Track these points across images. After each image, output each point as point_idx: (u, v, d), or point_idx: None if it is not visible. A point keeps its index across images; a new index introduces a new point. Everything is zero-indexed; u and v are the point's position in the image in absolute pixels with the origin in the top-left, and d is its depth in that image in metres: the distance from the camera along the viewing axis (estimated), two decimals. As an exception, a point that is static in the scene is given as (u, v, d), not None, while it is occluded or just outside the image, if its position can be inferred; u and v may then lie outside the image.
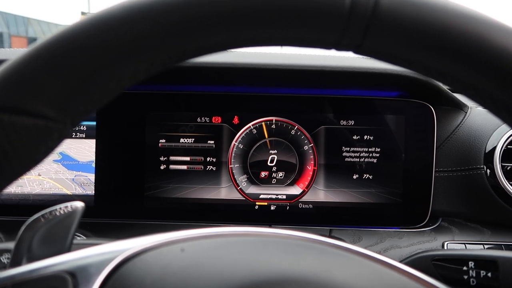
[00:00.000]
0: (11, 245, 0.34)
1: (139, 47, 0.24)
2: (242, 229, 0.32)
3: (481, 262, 0.38)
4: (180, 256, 0.29)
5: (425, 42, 0.23)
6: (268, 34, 0.24)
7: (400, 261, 0.51)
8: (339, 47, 0.25)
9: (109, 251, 0.29)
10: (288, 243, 0.31)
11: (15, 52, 0.72)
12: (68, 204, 0.35)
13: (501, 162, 0.64)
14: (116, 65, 0.24)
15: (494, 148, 0.65)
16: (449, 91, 0.68)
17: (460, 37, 0.22)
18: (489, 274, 0.38)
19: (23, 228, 0.33)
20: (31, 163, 0.27)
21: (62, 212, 0.35)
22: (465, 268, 0.39)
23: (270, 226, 0.70)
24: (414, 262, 0.43)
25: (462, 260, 0.40)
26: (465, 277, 0.39)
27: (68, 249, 0.35)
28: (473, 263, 0.39)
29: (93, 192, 0.71)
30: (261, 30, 0.24)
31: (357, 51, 0.25)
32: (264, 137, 0.70)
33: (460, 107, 0.71)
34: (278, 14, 0.23)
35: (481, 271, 0.38)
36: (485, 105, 0.26)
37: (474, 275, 0.39)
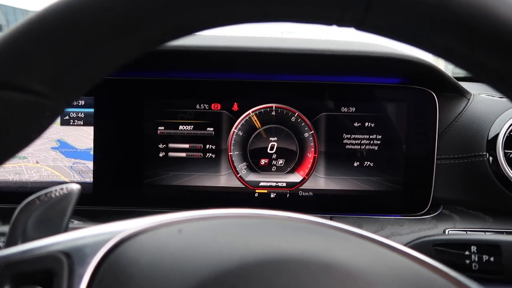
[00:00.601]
0: (6, 228, 0.34)
1: (134, 21, 0.23)
2: (241, 211, 0.31)
3: (484, 246, 0.38)
4: (177, 237, 0.28)
5: (432, 16, 0.22)
6: (266, 9, 0.23)
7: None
8: (340, 23, 0.24)
9: (105, 232, 0.28)
10: (288, 224, 0.31)
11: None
12: (64, 186, 0.34)
13: (504, 149, 0.63)
14: (110, 40, 0.24)
15: (497, 135, 0.64)
16: (452, 77, 0.67)
17: (469, 10, 0.22)
18: (492, 259, 0.38)
19: (17, 210, 0.33)
20: (24, 141, 0.26)
21: (57, 194, 0.34)
22: (467, 253, 0.39)
23: (270, 213, 0.69)
24: (416, 247, 0.42)
25: (464, 244, 0.39)
26: (467, 261, 0.39)
27: (64, 232, 0.34)
28: (475, 248, 0.38)
29: (92, 179, 0.70)
30: (259, 5, 0.23)
31: (359, 27, 0.24)
32: (264, 124, 0.69)
33: (463, 94, 0.70)
34: None
35: (484, 256, 0.38)
36: (491, 83, 0.25)
37: (476, 259, 0.38)
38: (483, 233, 0.59)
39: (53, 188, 0.34)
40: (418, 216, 0.68)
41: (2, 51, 0.23)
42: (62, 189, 0.34)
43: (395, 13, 0.22)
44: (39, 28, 0.23)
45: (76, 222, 0.52)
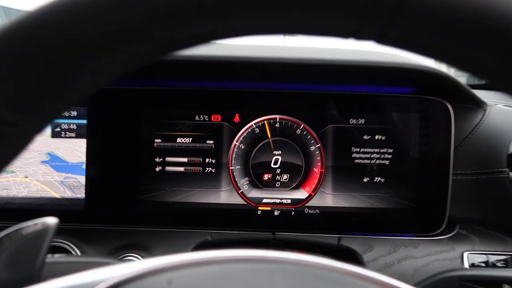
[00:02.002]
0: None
1: (117, 37, 0.19)
2: (242, 253, 0.26)
3: (518, 284, 0.33)
4: None
5: (463, 29, 0.18)
6: (274, 21, 0.20)
7: (423, 281, 0.46)
8: (358, 37, 0.20)
9: (79, 284, 0.24)
10: (297, 271, 0.26)
11: None
12: (39, 221, 0.30)
13: (526, 165, 0.59)
14: (89, 59, 0.20)
15: (519, 150, 0.59)
16: (467, 87, 0.62)
17: (499, 21, 0.18)
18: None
19: None
20: None
21: (31, 230, 0.30)
22: (498, 290, 0.34)
23: (273, 233, 0.65)
24: (440, 284, 0.38)
25: (495, 282, 0.34)
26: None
27: (38, 273, 0.30)
28: (508, 286, 0.34)
29: (84, 195, 0.66)
30: (265, 16, 0.20)
31: (379, 40, 0.20)
32: (267, 137, 0.65)
33: (479, 105, 0.65)
34: (299, 6, 0.18)
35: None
36: None
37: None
38: (507, 258, 0.54)
39: (26, 224, 0.30)
40: (433, 237, 0.63)
41: None
42: (35, 224, 0.30)
43: (422, 26, 0.19)
44: (2, 47, 0.19)
45: (56, 255, 0.48)
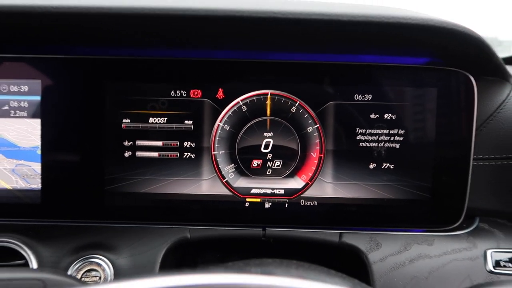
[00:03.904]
0: None
1: None
2: (230, 278, 0.17)
3: None
4: None
5: None
6: None
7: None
8: None
9: None
10: None
11: None
12: None
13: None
14: None
15: (554, 130, 0.50)
16: (497, 55, 0.53)
17: None
18: None
19: None
20: None
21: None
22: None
23: (264, 229, 0.56)
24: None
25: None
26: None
27: None
28: None
29: (40, 186, 0.56)
30: None
31: None
32: (257, 116, 0.57)
33: (507, 78, 0.57)
34: None
35: None
36: None
37: None
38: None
39: None
40: (450, 232, 0.56)
41: None
42: None
43: None
44: None
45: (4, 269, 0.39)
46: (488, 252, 0.51)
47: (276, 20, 0.47)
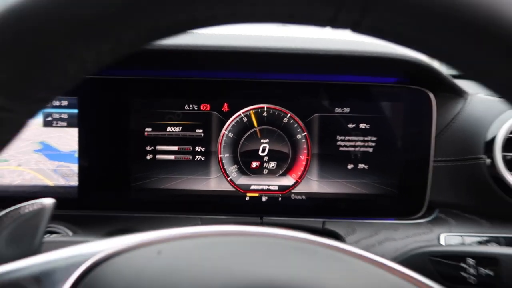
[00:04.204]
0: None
1: (103, 23, 0.20)
2: (224, 228, 0.29)
3: (481, 259, 0.36)
4: (156, 260, 0.26)
5: (435, 19, 0.20)
6: (252, 9, 0.21)
7: (396, 258, 0.49)
8: (334, 25, 0.22)
9: (78, 254, 0.26)
10: (275, 243, 0.28)
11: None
12: (36, 202, 0.32)
13: (502, 152, 0.62)
14: (76, 45, 0.21)
15: (495, 137, 0.62)
16: (448, 76, 0.65)
17: (469, 11, 0.20)
18: (490, 272, 0.36)
19: None
20: None
21: (29, 210, 0.32)
22: (463, 264, 0.37)
23: (261, 218, 0.67)
24: (411, 259, 0.41)
25: (460, 256, 0.37)
26: (464, 274, 0.37)
27: (37, 249, 0.32)
28: (472, 260, 0.37)
29: (77, 183, 0.67)
30: (245, 5, 0.21)
31: (355, 29, 0.22)
32: (255, 126, 0.67)
33: (460, 94, 0.68)
34: None
35: (481, 269, 0.36)
36: (492, 89, 0.23)
37: (473, 272, 0.36)
38: (479, 239, 0.58)
39: (24, 204, 0.32)
40: (413, 220, 0.66)
41: None
42: (33, 204, 0.31)
43: (398, 14, 0.20)
44: None
45: (53, 235, 0.50)
46: (442, 236, 0.61)
47: (286, 55, 0.59)
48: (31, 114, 0.24)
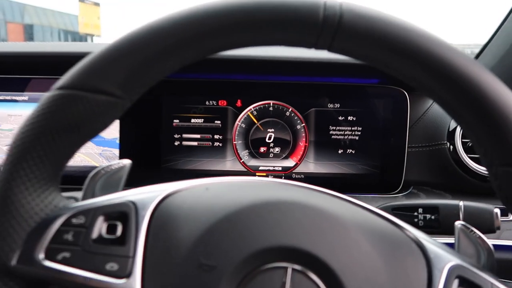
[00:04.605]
0: (75, 194, 0.46)
1: (176, 47, 0.35)
2: (248, 178, 0.43)
3: (427, 208, 0.51)
4: (205, 192, 0.41)
5: (374, 44, 0.34)
6: (265, 37, 0.35)
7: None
8: (316, 47, 0.36)
9: (156, 189, 0.40)
10: (282, 184, 0.43)
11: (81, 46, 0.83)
12: (120, 161, 0.47)
13: (461, 139, 0.76)
14: (161, 61, 0.36)
15: (456, 127, 0.77)
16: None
17: (395, 41, 0.34)
18: (433, 217, 0.51)
19: (89, 177, 0.45)
20: (104, 126, 0.39)
21: (116, 166, 0.47)
22: (415, 213, 0.52)
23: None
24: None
25: (413, 208, 0.52)
26: (416, 220, 0.52)
27: (120, 194, 0.47)
28: (421, 209, 0.51)
29: (118, 164, 0.82)
30: (261, 34, 0.35)
31: (329, 50, 0.36)
32: (263, 118, 0.81)
33: (430, 93, 0.82)
34: (278, 26, 0.33)
35: (427, 215, 0.51)
36: (419, 89, 0.37)
37: (421, 218, 0.51)
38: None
39: (112, 162, 0.47)
40: (392, 195, 0.81)
41: (93, 68, 0.36)
42: (118, 163, 0.46)
43: (352, 40, 0.34)
44: (116, 53, 0.35)
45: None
46: (413, 206, 0.77)
47: (288, 62, 0.74)
48: (132, 101, 0.39)
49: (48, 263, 0.32)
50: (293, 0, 0.33)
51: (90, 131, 0.38)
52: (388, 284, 0.32)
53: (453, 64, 0.33)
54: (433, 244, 0.35)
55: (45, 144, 0.34)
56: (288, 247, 0.32)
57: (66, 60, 0.76)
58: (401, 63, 0.34)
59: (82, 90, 0.34)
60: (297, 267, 0.32)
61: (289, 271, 0.32)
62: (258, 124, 0.81)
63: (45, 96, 0.35)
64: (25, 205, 0.33)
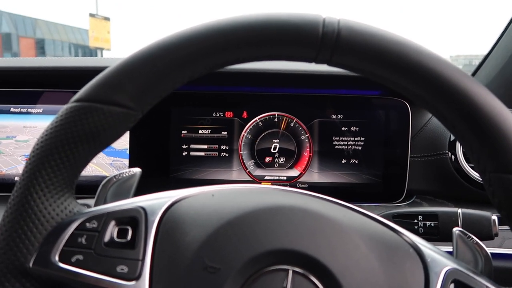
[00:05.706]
0: (88, 201, 0.48)
1: (186, 63, 0.38)
2: (251, 185, 0.45)
3: (426, 215, 0.52)
4: (211, 198, 0.42)
5: (370, 58, 0.36)
6: (269, 53, 0.38)
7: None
8: (316, 61, 0.38)
9: (165, 196, 0.42)
10: (284, 190, 0.45)
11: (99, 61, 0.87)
12: (131, 169, 0.49)
13: (462, 149, 0.78)
14: (171, 75, 0.38)
15: (457, 137, 0.78)
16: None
17: (390, 56, 0.36)
18: (432, 224, 0.52)
19: (101, 185, 0.47)
20: (118, 136, 0.41)
21: (126, 175, 0.49)
22: (415, 220, 0.53)
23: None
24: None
25: (414, 215, 0.53)
26: (416, 227, 0.53)
27: (132, 200, 0.49)
28: (421, 217, 0.53)
29: (127, 174, 0.85)
30: (264, 50, 0.37)
31: (328, 64, 0.38)
32: (268, 129, 0.82)
33: (432, 104, 0.84)
34: (280, 42, 0.35)
35: (426, 222, 0.52)
36: (416, 102, 0.39)
37: (422, 225, 0.53)
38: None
39: (123, 170, 0.49)
40: (395, 204, 0.82)
41: (108, 82, 0.38)
42: (129, 171, 0.49)
43: (349, 55, 0.36)
44: (129, 69, 0.38)
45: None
46: (416, 215, 0.78)
47: (293, 75, 0.77)
48: (144, 112, 0.41)
49: (63, 265, 0.34)
50: (294, 18, 0.35)
51: (105, 141, 0.40)
52: (386, 286, 0.34)
53: (445, 77, 0.35)
54: (430, 249, 0.37)
55: (62, 152, 0.37)
56: (289, 250, 0.34)
57: (78, 75, 0.80)
58: (396, 76, 0.36)
59: (98, 103, 0.36)
60: (298, 269, 0.33)
61: (290, 273, 0.33)
62: (263, 135, 0.83)
63: (63, 108, 0.37)
64: (43, 210, 0.35)
